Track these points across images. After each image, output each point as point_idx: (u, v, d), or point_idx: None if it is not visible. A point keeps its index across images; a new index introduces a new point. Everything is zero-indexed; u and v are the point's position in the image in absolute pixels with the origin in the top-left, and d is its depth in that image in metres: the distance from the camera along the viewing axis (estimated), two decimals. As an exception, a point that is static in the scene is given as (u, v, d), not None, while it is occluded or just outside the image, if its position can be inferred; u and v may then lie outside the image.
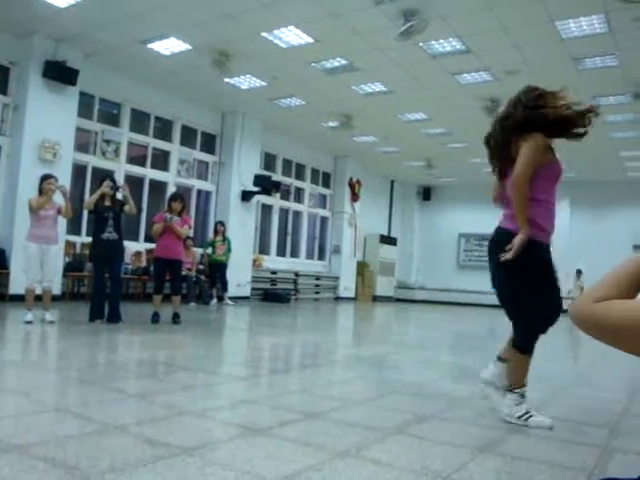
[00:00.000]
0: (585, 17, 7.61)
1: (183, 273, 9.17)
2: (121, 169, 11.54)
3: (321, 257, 17.95)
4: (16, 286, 8.76)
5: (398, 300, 19.78)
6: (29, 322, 6.63)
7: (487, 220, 20.24)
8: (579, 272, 16.47)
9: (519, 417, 3.25)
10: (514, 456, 2.64)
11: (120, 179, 10.75)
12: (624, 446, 3.00)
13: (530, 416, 3.24)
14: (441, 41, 8.82)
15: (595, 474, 2.41)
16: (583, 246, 16.96)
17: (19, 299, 7.99)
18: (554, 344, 9.92)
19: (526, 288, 3.23)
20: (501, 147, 3.41)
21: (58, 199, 7.15)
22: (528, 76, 9.74)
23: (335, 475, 2.25)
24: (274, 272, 15.23)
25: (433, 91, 11.01)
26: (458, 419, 3.37)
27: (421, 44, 8.84)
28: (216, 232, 12.58)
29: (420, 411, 3.48)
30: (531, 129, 3.25)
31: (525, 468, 2.50)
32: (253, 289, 14.19)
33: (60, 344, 5.99)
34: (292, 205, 16.48)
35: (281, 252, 16.24)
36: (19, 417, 2.84)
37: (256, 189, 13.67)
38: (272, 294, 14.51)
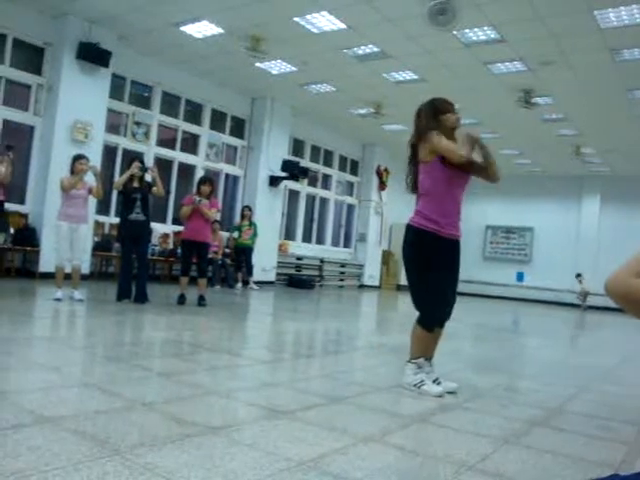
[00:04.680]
0: (625, 7, 7.42)
1: (209, 256, 9.23)
2: (151, 151, 11.64)
3: (347, 245, 17.93)
4: (46, 264, 8.92)
5: (422, 290, 19.63)
6: (58, 300, 6.75)
7: (514, 212, 20.02)
8: (579, 275, 16.44)
9: (414, 385, 3.61)
10: (539, 449, 2.62)
11: (149, 161, 10.86)
12: (651, 443, 2.96)
13: (423, 384, 3.59)
14: (475, 30, 8.67)
15: (622, 470, 2.39)
16: (613, 242, 16.68)
17: (49, 277, 8.14)
18: (580, 339, 9.83)
19: (418, 278, 3.69)
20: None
21: (89, 179, 7.25)
22: (563, 67, 9.60)
23: (360, 459, 2.26)
24: (299, 258, 15.26)
25: (465, 80, 10.86)
26: (482, 410, 3.35)
27: (454, 32, 8.72)
28: (243, 216, 12.65)
29: (443, 400, 3.48)
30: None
31: (550, 461, 2.48)
32: (278, 274, 14.25)
33: (88, 322, 6.09)
34: (319, 192, 16.47)
35: (307, 238, 16.26)
36: (50, 390, 2.90)
37: (284, 174, 13.69)
38: (297, 280, 14.55)
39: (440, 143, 3.55)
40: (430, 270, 3.59)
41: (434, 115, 3.71)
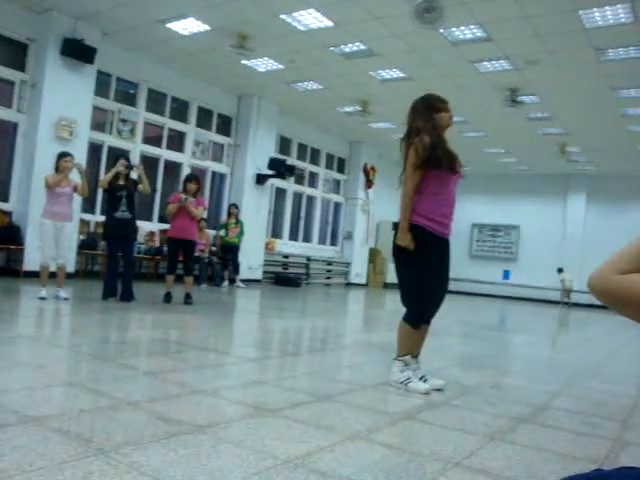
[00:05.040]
0: (610, 6, 7.48)
1: (196, 254, 9.20)
2: (136, 149, 11.57)
3: (333, 243, 17.94)
4: (30, 262, 8.84)
5: (409, 288, 19.72)
6: (43, 298, 6.70)
7: (500, 211, 20.06)
8: (560, 270, 16.76)
9: (401, 383, 3.61)
10: (525, 445, 2.64)
11: (135, 159, 10.79)
12: (636, 439, 2.99)
13: (409, 382, 3.60)
14: (462, 28, 8.70)
15: (605, 465, 2.41)
16: (598, 241, 16.82)
17: (33, 275, 8.06)
18: (565, 336, 9.91)
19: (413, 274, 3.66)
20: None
21: (74, 177, 7.19)
22: (549, 66, 9.67)
23: (346, 457, 2.26)
24: (286, 256, 15.25)
25: (451, 79, 10.90)
26: (468, 406, 3.37)
27: (441, 31, 8.74)
28: (229, 214, 12.61)
29: (430, 397, 3.49)
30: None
31: (535, 457, 2.50)
32: (265, 272, 14.23)
33: (73, 321, 6.04)
34: (306, 190, 16.46)
35: (294, 236, 16.25)
36: (34, 390, 2.87)
37: (270, 172, 13.67)
38: (284, 278, 14.53)
39: (410, 168, 3.58)
40: (424, 268, 3.59)
41: (428, 113, 3.67)
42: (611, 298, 1.00)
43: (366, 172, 17.79)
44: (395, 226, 3.73)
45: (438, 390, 3.65)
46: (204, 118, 13.14)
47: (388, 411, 3.16)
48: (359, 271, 18.03)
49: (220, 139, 13.59)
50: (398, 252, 3.68)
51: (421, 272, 3.59)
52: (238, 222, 12.54)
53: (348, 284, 17.53)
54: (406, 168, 3.62)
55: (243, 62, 11.02)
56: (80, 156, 8.81)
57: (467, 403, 3.47)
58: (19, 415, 2.39)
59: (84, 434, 2.22)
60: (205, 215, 11.24)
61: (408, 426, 2.88)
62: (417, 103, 3.77)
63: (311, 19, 8.91)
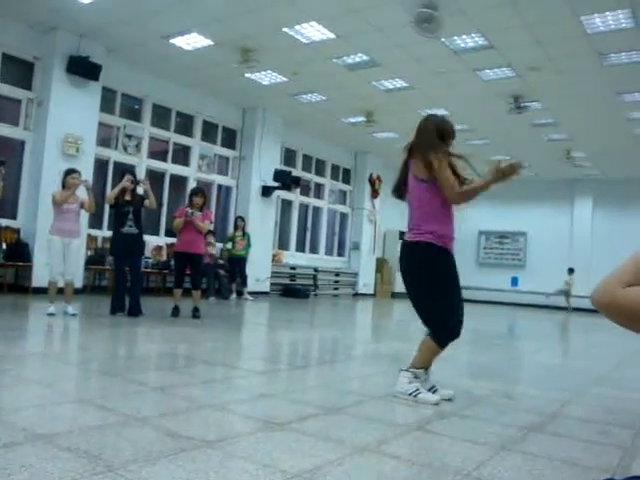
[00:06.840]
0: (611, 12, 7.49)
1: (205, 261, 9.19)
2: (142, 164, 11.63)
3: (340, 253, 17.93)
4: (39, 279, 8.88)
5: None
6: (52, 314, 6.72)
7: (507, 217, 19.96)
8: (571, 270, 16.81)
9: (410, 394, 3.58)
10: (535, 455, 2.62)
11: (141, 174, 10.85)
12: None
13: (419, 393, 3.57)
14: (463, 37, 8.74)
15: (617, 474, 2.38)
16: (605, 245, 16.74)
17: (42, 292, 8.10)
18: (575, 343, 9.83)
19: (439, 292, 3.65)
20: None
21: (81, 193, 7.23)
22: (552, 72, 9.67)
23: (356, 470, 2.25)
24: (293, 267, 15.24)
25: (454, 87, 10.92)
26: (478, 417, 3.35)
27: (443, 40, 8.77)
28: (236, 227, 12.64)
29: (440, 408, 3.47)
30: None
31: (546, 467, 2.47)
32: (272, 284, 14.23)
33: (82, 336, 6.05)
34: (312, 201, 16.48)
35: (300, 248, 16.25)
36: (43, 407, 2.88)
37: (276, 184, 13.70)
38: (291, 289, 14.54)
39: (443, 172, 3.56)
40: (447, 284, 3.65)
41: (441, 137, 3.74)
42: (616, 310, 1.00)
43: (372, 182, 17.80)
44: (402, 235, 3.74)
45: (447, 400, 3.63)
46: (209, 132, 13.21)
47: (397, 422, 3.15)
48: (367, 281, 17.99)
49: (225, 152, 13.64)
50: (420, 271, 3.64)
51: (446, 288, 3.64)
52: (245, 234, 12.56)
53: (356, 294, 17.49)
54: (438, 175, 3.59)
55: (247, 75, 11.08)
56: (86, 172, 8.87)
57: (477, 413, 3.45)
58: (28, 433, 2.39)
59: (93, 451, 2.22)
60: (212, 228, 11.26)
61: (418, 437, 2.86)
62: (432, 122, 3.88)
63: (313, 32, 8.96)
